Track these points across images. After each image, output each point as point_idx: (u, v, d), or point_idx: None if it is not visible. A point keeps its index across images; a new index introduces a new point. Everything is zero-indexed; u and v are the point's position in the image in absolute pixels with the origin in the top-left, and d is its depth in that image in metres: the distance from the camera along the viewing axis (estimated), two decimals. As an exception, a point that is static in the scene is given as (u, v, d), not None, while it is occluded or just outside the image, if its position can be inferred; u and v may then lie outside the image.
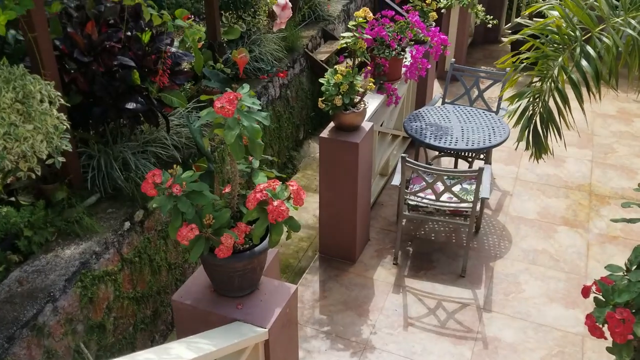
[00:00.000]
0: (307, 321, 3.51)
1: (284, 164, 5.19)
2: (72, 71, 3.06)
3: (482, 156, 4.58)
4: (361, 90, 3.63)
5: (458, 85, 6.13)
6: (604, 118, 5.67)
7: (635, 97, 6.07)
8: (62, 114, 2.60)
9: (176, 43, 3.98)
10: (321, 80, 3.62)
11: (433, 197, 3.76)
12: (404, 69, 4.39)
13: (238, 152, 1.98)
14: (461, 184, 3.95)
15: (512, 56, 2.12)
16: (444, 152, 4.51)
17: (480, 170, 3.51)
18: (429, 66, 4.35)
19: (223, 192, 2.27)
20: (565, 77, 1.90)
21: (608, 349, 1.71)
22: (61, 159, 2.59)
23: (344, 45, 3.63)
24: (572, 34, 1.87)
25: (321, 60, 5.65)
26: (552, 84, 1.90)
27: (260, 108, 2.01)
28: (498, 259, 3.96)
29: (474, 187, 3.87)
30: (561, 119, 2.04)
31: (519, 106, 2.05)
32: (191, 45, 4.02)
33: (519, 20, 2.46)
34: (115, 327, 2.98)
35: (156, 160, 3.43)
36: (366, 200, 4.00)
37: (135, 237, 3.10)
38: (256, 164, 2.32)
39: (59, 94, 2.54)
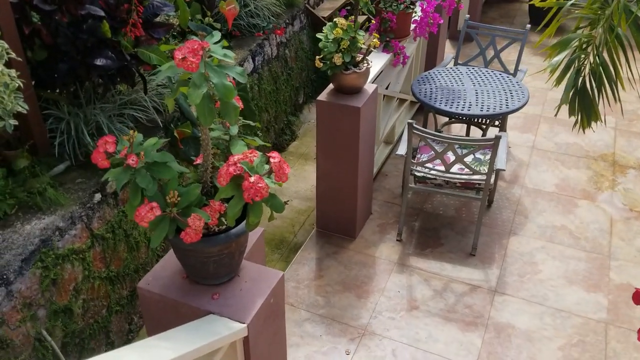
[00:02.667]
0: (301, 303, 3.20)
1: (281, 129, 4.82)
2: (36, 22, 2.69)
3: (497, 123, 4.19)
4: (364, 47, 3.23)
5: (472, 46, 5.69)
6: (629, 82, 5.22)
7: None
8: (12, 70, 2.24)
9: (162, -6, 3.57)
10: (319, 35, 3.22)
11: (442, 168, 3.39)
12: (413, 25, 3.97)
13: (207, 115, 1.62)
14: (473, 154, 3.58)
15: (553, -7, 1.70)
16: (456, 118, 4.13)
17: (497, 138, 3.14)
18: (441, 21, 3.92)
19: (194, 163, 1.92)
20: (625, 17, 1.51)
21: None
22: (13, 121, 2.24)
23: (345, -5, 3.21)
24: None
25: (323, 17, 5.22)
26: (608, 28, 1.52)
27: (234, 62, 1.64)
28: (512, 236, 3.62)
29: (487, 157, 3.50)
30: (617, 76, 1.65)
31: (562, 59, 1.67)
32: (175, -5, 3.61)
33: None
34: (85, 311, 2.68)
35: (135, 125, 3.08)
36: (368, 170, 3.64)
37: (108, 211, 2.77)
38: (234, 130, 1.96)
39: (6, 45, 2.17)
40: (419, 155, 3.64)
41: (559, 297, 3.18)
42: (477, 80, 4.08)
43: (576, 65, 1.59)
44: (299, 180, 4.32)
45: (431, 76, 4.18)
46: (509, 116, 4.71)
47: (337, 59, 3.14)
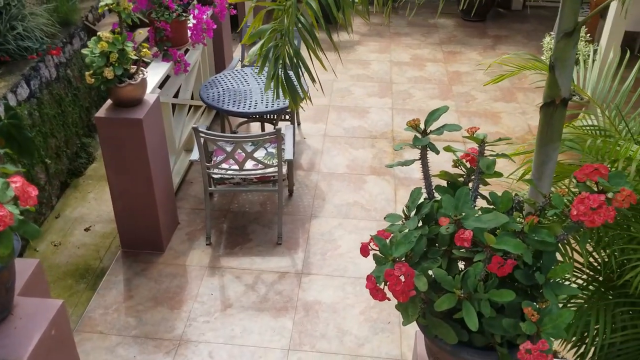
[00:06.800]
0: (112, 328, 3.09)
1: (75, 153, 4.56)
2: None
3: (287, 117, 4.42)
4: (135, 58, 3.20)
5: (260, 47, 5.90)
6: (399, 66, 5.85)
7: (425, 40, 6.36)
8: None
9: None
10: (84, 51, 3.12)
11: (237, 166, 3.50)
12: (190, 32, 4.01)
13: None
14: (266, 149, 3.75)
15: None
16: (247, 117, 4.28)
17: (278, 131, 3.32)
18: (215, 26, 4.03)
19: None
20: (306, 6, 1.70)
21: (396, 307, 1.61)
22: None
23: (105, 7, 3.15)
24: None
25: (104, 32, 5.03)
26: (295, 16, 1.69)
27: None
28: (313, 219, 3.87)
29: (278, 150, 3.69)
30: (312, 56, 1.83)
31: (258, 49, 1.83)
32: None
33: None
34: None
35: None
36: (165, 181, 3.62)
37: None
38: (-25, 160, 1.83)
39: None
40: (214, 158, 3.71)
41: (357, 267, 3.48)
42: (261, 80, 4.27)
43: (274, 54, 1.76)
44: (100, 203, 4.14)
45: (218, 80, 4.27)
46: (302, 109, 5.00)
47: (108, 73, 3.07)
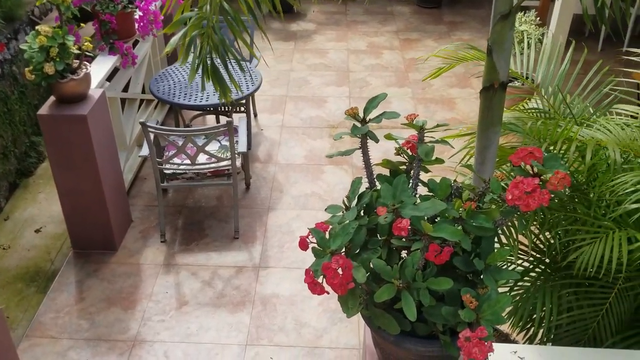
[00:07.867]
0: (63, 332, 2.99)
1: (24, 152, 4.40)
2: None
3: (242, 109, 4.35)
4: (77, 52, 3.08)
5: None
6: (356, 54, 5.82)
7: (381, 28, 6.34)
8: None
9: None
10: (22, 46, 2.99)
11: (189, 161, 3.42)
12: (137, 24, 3.89)
13: None
14: (219, 142, 3.68)
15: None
16: (200, 110, 4.19)
17: (229, 123, 3.26)
18: (162, 17, 3.92)
19: None
20: None
21: (338, 300, 1.58)
22: None
23: (43, 0, 3.02)
24: None
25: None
26: (215, 5, 1.64)
27: None
28: (271, 212, 3.82)
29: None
30: (237, 44, 1.78)
31: (184, 38, 1.77)
32: None
33: None
34: None
35: None
36: (115, 178, 3.51)
37: None
38: None
39: None
40: (166, 153, 3.62)
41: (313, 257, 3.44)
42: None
43: (198, 43, 1.71)
44: (51, 203, 4.00)
45: (169, 73, 4.17)
46: (259, 100, 4.94)
47: (49, 68, 2.96)
